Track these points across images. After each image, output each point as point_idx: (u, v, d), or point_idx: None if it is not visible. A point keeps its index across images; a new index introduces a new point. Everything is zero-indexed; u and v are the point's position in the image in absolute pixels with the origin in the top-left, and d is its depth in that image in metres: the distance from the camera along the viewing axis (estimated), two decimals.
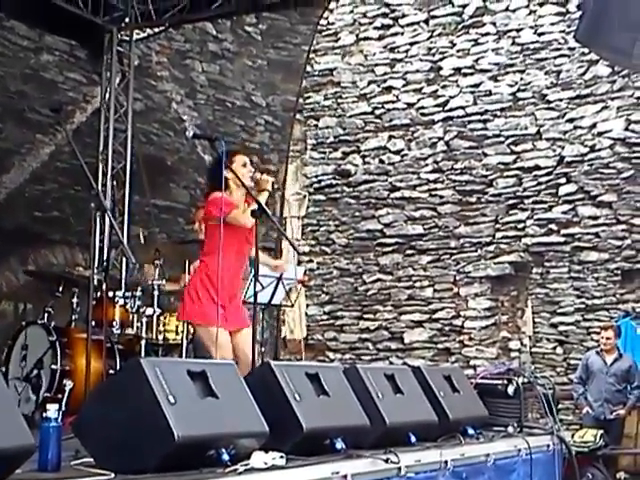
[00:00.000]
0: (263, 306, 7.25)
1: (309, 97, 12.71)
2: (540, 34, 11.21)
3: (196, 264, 6.00)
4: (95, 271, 5.61)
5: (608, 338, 9.00)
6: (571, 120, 10.91)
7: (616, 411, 8.82)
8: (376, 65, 12.36)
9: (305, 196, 12.65)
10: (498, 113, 11.39)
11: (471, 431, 5.54)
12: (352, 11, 12.57)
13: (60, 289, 7.01)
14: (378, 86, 12.31)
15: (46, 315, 6.79)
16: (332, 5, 12.27)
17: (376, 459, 4.31)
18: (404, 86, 12.12)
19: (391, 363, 11.44)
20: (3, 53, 8.96)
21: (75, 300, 6.99)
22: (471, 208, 11.48)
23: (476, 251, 11.41)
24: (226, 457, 3.62)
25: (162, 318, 7.01)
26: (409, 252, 11.87)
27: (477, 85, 11.57)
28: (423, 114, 11.92)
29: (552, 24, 11.12)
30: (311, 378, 4.43)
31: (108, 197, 9.08)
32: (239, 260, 5.57)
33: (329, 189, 12.55)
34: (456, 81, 11.73)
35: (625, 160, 10.46)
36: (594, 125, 10.73)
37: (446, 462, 4.90)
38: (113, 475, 3.38)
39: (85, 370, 4.77)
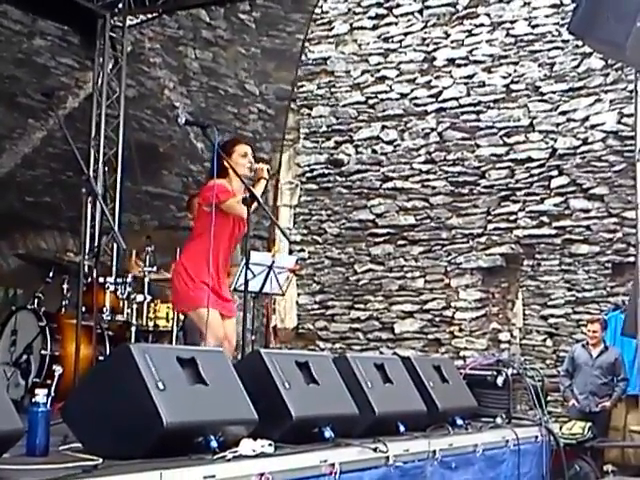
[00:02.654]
0: (254, 294, 7.24)
1: (302, 86, 12.69)
2: (534, 26, 11.20)
3: None
4: (86, 257, 5.59)
5: (595, 331, 9.03)
6: (564, 112, 10.91)
7: (601, 403, 8.85)
8: (370, 55, 12.34)
9: (297, 185, 12.64)
10: (491, 104, 11.39)
11: (460, 421, 5.56)
12: (346, 0, 12.54)
13: (50, 274, 7.00)
14: (372, 76, 12.30)
15: (36, 300, 6.78)
16: None
17: (365, 448, 4.32)
18: (398, 76, 12.10)
19: (381, 353, 11.46)
20: None
21: (65, 286, 6.98)
22: (463, 199, 11.49)
23: (467, 242, 11.43)
24: (214, 444, 3.62)
25: (152, 305, 7.01)
26: (401, 242, 11.88)
27: (471, 76, 11.56)
28: (416, 104, 11.91)
29: (546, 16, 11.12)
30: (301, 366, 4.43)
31: (99, 183, 9.05)
32: (228, 249, 5.55)
33: (321, 178, 12.54)
34: (450, 72, 11.72)
35: (617, 153, 10.47)
36: (587, 118, 10.74)
37: (434, 452, 4.92)
38: (101, 460, 3.37)
39: (75, 356, 4.76)
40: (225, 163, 5.40)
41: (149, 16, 9.84)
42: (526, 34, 11.23)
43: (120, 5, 9.31)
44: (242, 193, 5.43)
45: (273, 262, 6.94)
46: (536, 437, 6.31)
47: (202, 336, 5.34)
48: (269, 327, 12.14)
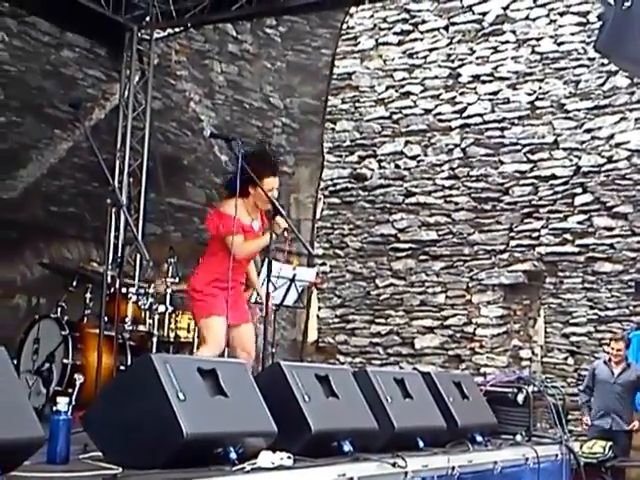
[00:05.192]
0: (275, 307, 7.26)
1: (327, 100, 12.73)
2: (560, 44, 11.20)
3: None
4: (109, 267, 5.63)
5: (619, 349, 8.94)
6: (589, 130, 10.89)
7: (622, 424, 8.72)
8: (395, 70, 12.37)
9: (320, 199, 12.67)
10: (516, 121, 11.38)
11: (479, 438, 5.52)
12: (372, 16, 12.60)
13: (74, 284, 7.03)
14: (396, 91, 12.33)
15: (59, 309, 6.82)
16: (352, 9, 12.29)
17: (383, 463, 4.30)
18: (422, 92, 12.13)
19: (401, 368, 11.44)
20: (24, 49, 9.00)
21: (88, 295, 7.01)
22: (486, 215, 11.47)
23: (490, 259, 11.40)
24: (234, 455, 3.62)
25: (174, 316, 7.03)
26: (422, 258, 11.87)
27: (495, 93, 11.57)
28: (440, 120, 11.93)
29: (572, 34, 11.12)
30: (321, 380, 4.43)
31: (124, 194, 9.09)
32: (243, 263, 5.59)
33: (344, 192, 12.57)
34: (474, 88, 11.73)
35: None
36: (612, 136, 10.71)
37: (453, 468, 4.89)
38: (121, 470, 3.38)
39: (96, 365, 4.79)
40: (251, 191, 5.44)
41: (176, 30, 9.91)
42: (552, 51, 11.23)
43: (148, 18, 9.38)
44: (254, 216, 5.51)
45: (295, 275, 6.96)
46: (556, 456, 6.26)
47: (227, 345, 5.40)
48: (305, 341, 12.13)
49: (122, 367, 6.25)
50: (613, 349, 8.99)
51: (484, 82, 11.68)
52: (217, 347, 5.36)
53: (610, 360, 9.00)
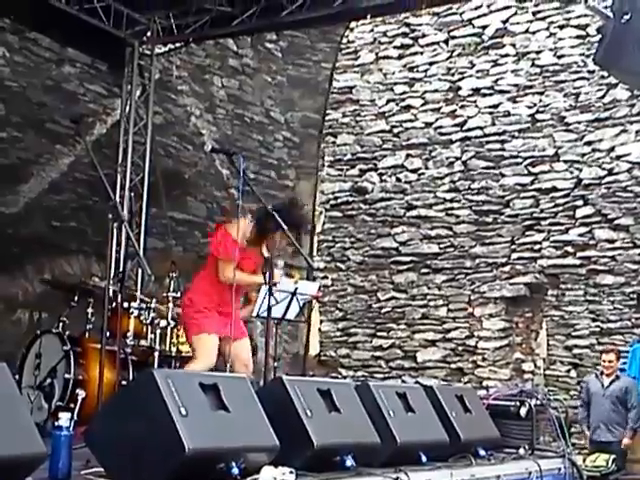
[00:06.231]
0: (276, 321, 7.25)
1: (328, 114, 12.76)
2: (560, 56, 11.22)
3: None
4: (111, 282, 5.63)
5: (610, 361, 8.98)
6: (589, 143, 10.90)
7: (616, 435, 8.69)
8: (395, 84, 12.40)
9: (321, 212, 12.68)
10: (516, 134, 11.39)
11: (482, 452, 5.51)
12: (372, 30, 12.63)
13: (75, 299, 7.03)
14: (397, 105, 12.35)
15: (61, 324, 6.82)
16: (352, 24, 12.34)
17: (386, 478, 4.30)
18: (423, 105, 12.14)
19: (404, 382, 11.39)
20: (25, 64, 9.05)
21: (90, 310, 7.01)
22: (487, 228, 11.47)
23: (491, 271, 11.39)
24: (236, 471, 3.62)
25: (176, 330, 7.02)
26: (424, 271, 11.86)
27: (496, 106, 11.58)
28: (441, 133, 11.94)
29: (572, 47, 11.14)
30: (323, 394, 4.43)
31: (125, 208, 9.11)
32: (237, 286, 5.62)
33: (345, 206, 12.57)
34: (475, 101, 11.75)
35: None
36: (612, 148, 10.72)
37: None
38: None
39: (98, 380, 4.78)
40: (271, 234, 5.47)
41: (177, 45, 9.95)
42: (551, 64, 11.25)
43: (149, 34, 9.42)
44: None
45: (296, 289, 6.94)
46: (559, 469, 6.23)
47: (225, 361, 5.43)
48: (307, 355, 12.14)
49: (124, 382, 6.23)
50: (604, 361, 9.04)
51: (484, 95, 11.69)
52: (207, 362, 5.41)
53: (602, 373, 9.02)
